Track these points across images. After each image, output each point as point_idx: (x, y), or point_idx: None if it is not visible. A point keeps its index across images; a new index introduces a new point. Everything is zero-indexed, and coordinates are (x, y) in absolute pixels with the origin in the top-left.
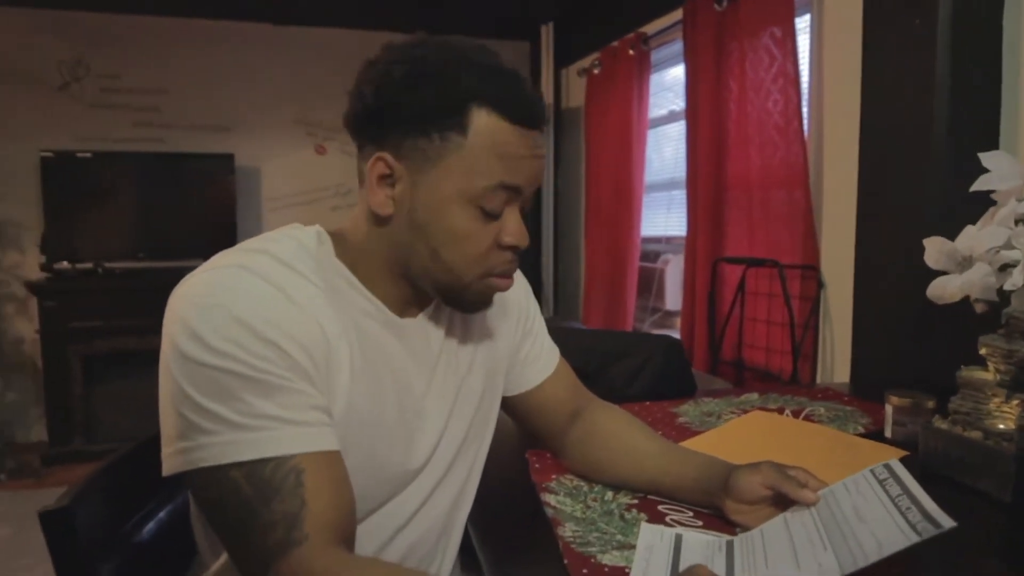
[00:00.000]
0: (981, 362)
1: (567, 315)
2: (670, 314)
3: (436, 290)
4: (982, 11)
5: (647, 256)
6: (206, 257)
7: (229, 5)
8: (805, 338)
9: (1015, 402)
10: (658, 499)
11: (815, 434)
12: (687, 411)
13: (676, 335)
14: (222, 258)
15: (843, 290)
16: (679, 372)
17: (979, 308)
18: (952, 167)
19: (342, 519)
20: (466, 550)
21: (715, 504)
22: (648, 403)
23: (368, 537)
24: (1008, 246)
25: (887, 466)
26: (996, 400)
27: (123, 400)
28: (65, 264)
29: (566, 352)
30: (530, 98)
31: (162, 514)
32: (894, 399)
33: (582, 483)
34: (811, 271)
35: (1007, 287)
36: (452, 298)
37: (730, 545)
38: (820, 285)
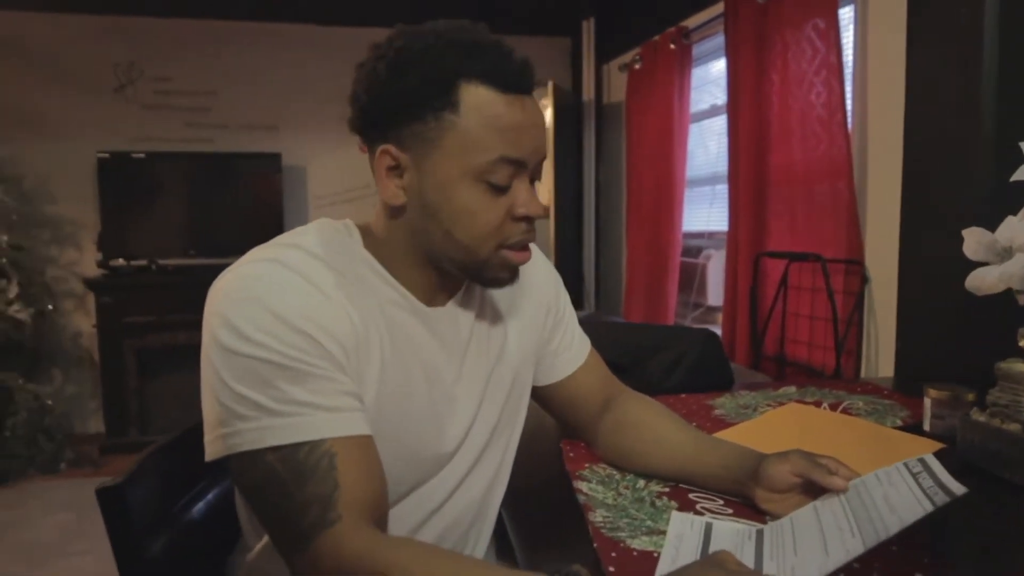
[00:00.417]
0: (1022, 354)
1: (609, 310)
2: (712, 309)
3: (459, 270)
4: None
5: (689, 251)
6: None
7: (276, 7)
8: (848, 333)
9: None
10: (689, 488)
11: (850, 426)
12: (723, 404)
13: (718, 330)
14: (257, 253)
15: (888, 284)
16: (716, 365)
17: (1021, 300)
18: (998, 159)
19: (374, 500)
20: (502, 537)
21: (745, 493)
22: (684, 396)
23: (402, 520)
24: None
25: (921, 460)
26: None
27: (175, 392)
28: (120, 261)
29: (602, 345)
30: (516, 65)
31: (210, 496)
32: (932, 392)
33: (614, 472)
34: (855, 265)
35: None
36: (475, 275)
37: (760, 534)
38: (864, 279)
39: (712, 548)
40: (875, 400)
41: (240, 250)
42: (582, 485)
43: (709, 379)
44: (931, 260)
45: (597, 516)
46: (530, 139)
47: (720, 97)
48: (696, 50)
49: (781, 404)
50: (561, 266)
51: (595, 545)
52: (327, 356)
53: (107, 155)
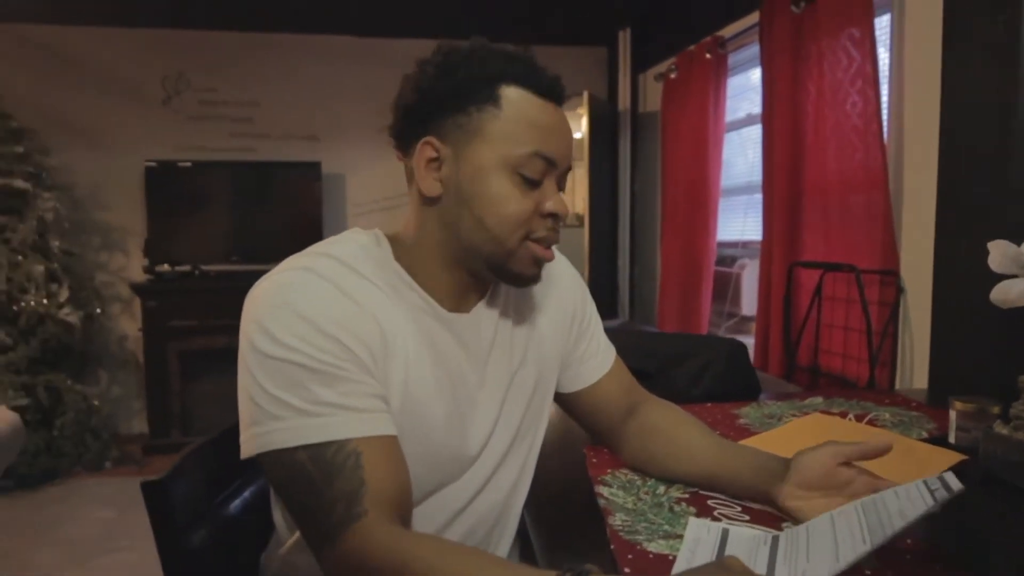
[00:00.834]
0: None
1: (643, 319)
2: (747, 319)
3: (485, 263)
4: None
5: (724, 260)
6: None
7: (317, 20)
8: (883, 344)
9: None
10: (708, 494)
11: (873, 437)
12: (748, 413)
13: (751, 340)
14: (290, 262)
15: (923, 295)
16: (743, 375)
17: None
18: None
19: (399, 497)
20: (525, 543)
21: (769, 495)
22: (709, 405)
23: (427, 521)
24: None
25: (941, 478)
26: None
27: (215, 395)
28: (166, 267)
29: (629, 354)
30: (549, 75)
31: (246, 494)
32: (958, 404)
33: (636, 477)
34: (890, 276)
35: None
36: (499, 268)
37: (775, 540)
38: (900, 290)
39: (728, 552)
40: (902, 412)
41: (280, 256)
42: (603, 490)
43: (735, 388)
44: (965, 271)
45: (616, 520)
46: (562, 142)
47: (760, 105)
48: (732, 59)
49: (806, 414)
50: (595, 274)
51: (612, 547)
52: (355, 360)
53: (154, 164)
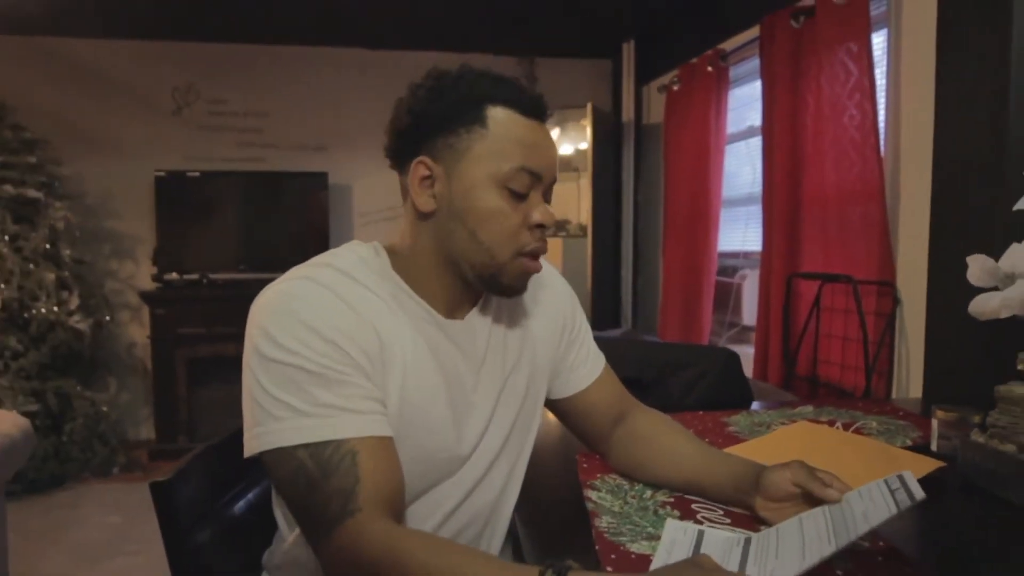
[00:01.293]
0: (1021, 377)
1: (645, 328)
2: (747, 329)
3: (476, 274)
4: None
5: (725, 271)
6: None
7: (325, 32)
8: (880, 354)
9: None
10: (692, 498)
11: (857, 445)
12: (738, 421)
13: (751, 350)
14: (293, 272)
15: (919, 306)
16: (736, 384)
17: None
18: None
19: (392, 495)
20: (518, 544)
21: (747, 502)
22: (701, 413)
23: (421, 519)
24: None
25: (900, 477)
26: None
27: (222, 402)
28: (174, 275)
29: (626, 363)
30: (533, 95)
31: (250, 495)
32: (940, 413)
33: (624, 482)
34: (887, 287)
35: None
36: (490, 280)
37: (748, 541)
38: (896, 301)
39: (702, 552)
40: (889, 420)
41: (287, 265)
42: (592, 494)
43: (728, 397)
44: (959, 283)
45: (602, 522)
46: (546, 157)
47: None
48: (734, 72)
49: (795, 423)
50: (598, 284)
51: (597, 548)
52: (353, 364)
53: (164, 173)
